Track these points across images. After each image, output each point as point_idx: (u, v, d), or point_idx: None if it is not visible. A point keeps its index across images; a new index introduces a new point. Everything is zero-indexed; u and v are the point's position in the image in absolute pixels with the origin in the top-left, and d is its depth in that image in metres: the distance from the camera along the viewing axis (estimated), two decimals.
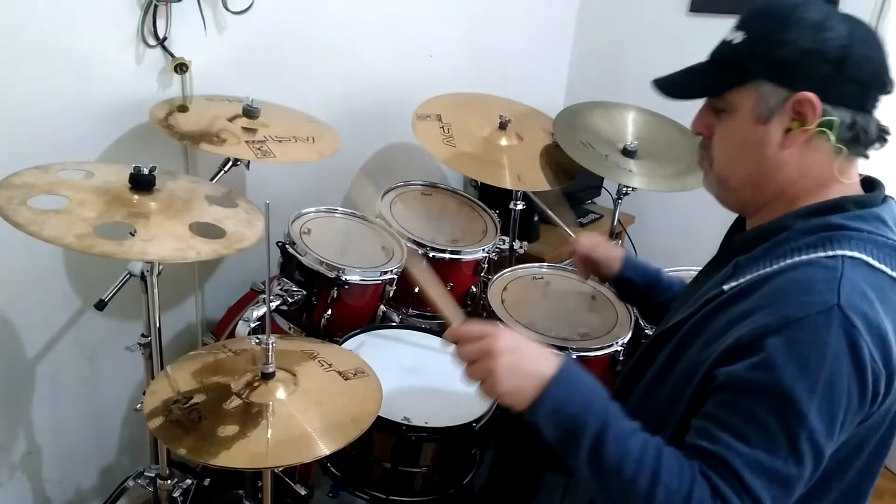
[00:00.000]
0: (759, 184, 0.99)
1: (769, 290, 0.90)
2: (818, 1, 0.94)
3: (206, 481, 1.68)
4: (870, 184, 1.01)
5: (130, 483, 1.60)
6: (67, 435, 1.75)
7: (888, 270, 0.89)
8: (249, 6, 1.74)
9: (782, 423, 0.83)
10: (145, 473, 1.57)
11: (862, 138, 0.94)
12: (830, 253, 0.89)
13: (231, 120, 1.57)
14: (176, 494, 1.52)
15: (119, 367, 1.78)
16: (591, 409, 0.90)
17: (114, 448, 1.88)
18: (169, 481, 1.50)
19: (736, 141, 0.99)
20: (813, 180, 0.96)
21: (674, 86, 1.03)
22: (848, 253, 0.89)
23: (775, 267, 0.92)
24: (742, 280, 0.95)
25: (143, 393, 1.53)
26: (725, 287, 0.97)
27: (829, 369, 0.82)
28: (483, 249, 1.87)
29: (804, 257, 0.90)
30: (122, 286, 1.44)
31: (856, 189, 0.98)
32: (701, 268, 1.21)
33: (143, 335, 1.48)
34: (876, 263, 0.89)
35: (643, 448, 0.87)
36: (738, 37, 0.96)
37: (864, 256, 0.89)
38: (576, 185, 2.18)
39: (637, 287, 1.45)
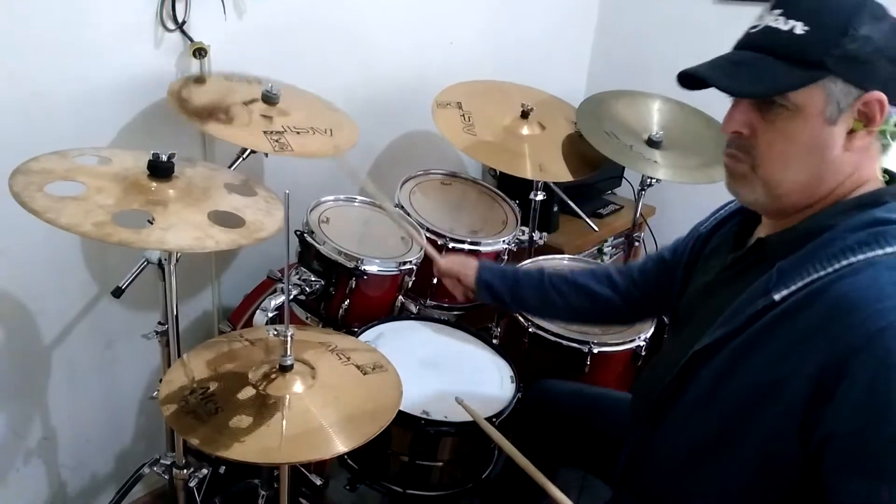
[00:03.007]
0: (813, 189, 0.93)
1: (833, 299, 0.85)
2: None
3: (222, 469, 1.68)
4: (887, 174, 0.97)
5: (146, 470, 1.60)
6: (83, 421, 1.75)
7: None
8: None
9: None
10: (161, 461, 1.56)
11: None
12: (889, 250, 0.85)
13: (248, 104, 1.54)
14: (192, 483, 1.51)
15: (136, 354, 1.78)
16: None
17: (130, 435, 1.87)
18: (185, 470, 1.49)
19: (796, 144, 0.91)
20: (857, 179, 0.92)
21: (725, 77, 0.91)
22: None
23: (829, 270, 0.87)
24: (793, 287, 0.89)
25: (160, 381, 1.52)
26: (776, 297, 0.90)
27: None
28: (503, 241, 1.83)
29: (861, 257, 0.85)
30: (139, 273, 1.42)
31: (878, 181, 0.95)
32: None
33: (160, 322, 1.46)
34: None
35: None
36: (798, 27, 0.87)
37: None
38: (596, 176, 2.14)
39: (498, 289, 1.42)
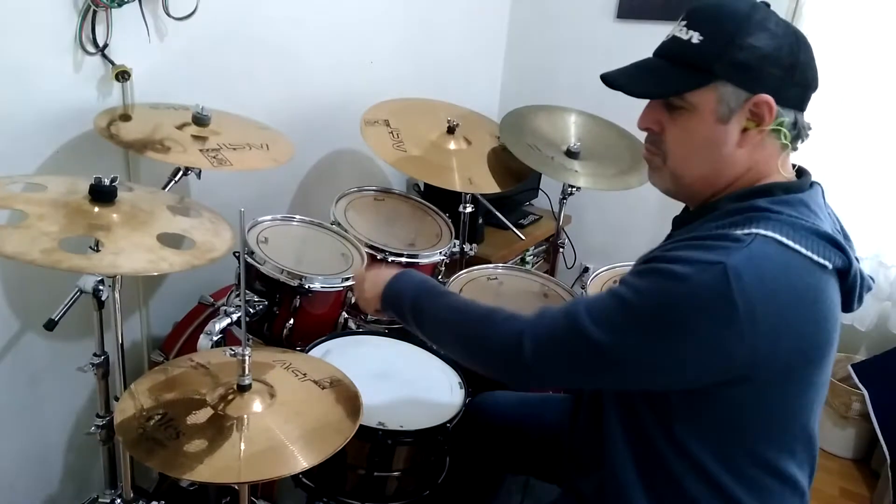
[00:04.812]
0: (712, 180, 1.05)
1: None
2: (763, 5, 1.01)
3: None
4: (798, 172, 1.09)
5: None
6: (7, 467, 1.64)
7: (802, 249, 0.94)
8: (192, 12, 1.68)
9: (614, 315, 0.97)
10: (100, 500, 1.49)
11: (801, 135, 1.04)
12: (746, 231, 0.95)
13: (180, 128, 1.52)
14: None
15: (62, 390, 1.69)
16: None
17: (58, 476, 1.77)
18: None
19: (695, 140, 1.03)
20: (757, 173, 1.04)
21: (630, 81, 1.04)
22: (762, 231, 0.95)
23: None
24: None
25: (97, 415, 1.46)
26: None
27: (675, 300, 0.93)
28: (440, 252, 1.88)
29: (722, 231, 0.97)
30: (72, 304, 1.36)
31: (790, 179, 1.06)
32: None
33: (95, 354, 1.41)
34: (789, 242, 0.94)
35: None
36: (695, 37, 0.99)
37: (776, 235, 0.94)
38: (514, 188, 2.22)
39: None
